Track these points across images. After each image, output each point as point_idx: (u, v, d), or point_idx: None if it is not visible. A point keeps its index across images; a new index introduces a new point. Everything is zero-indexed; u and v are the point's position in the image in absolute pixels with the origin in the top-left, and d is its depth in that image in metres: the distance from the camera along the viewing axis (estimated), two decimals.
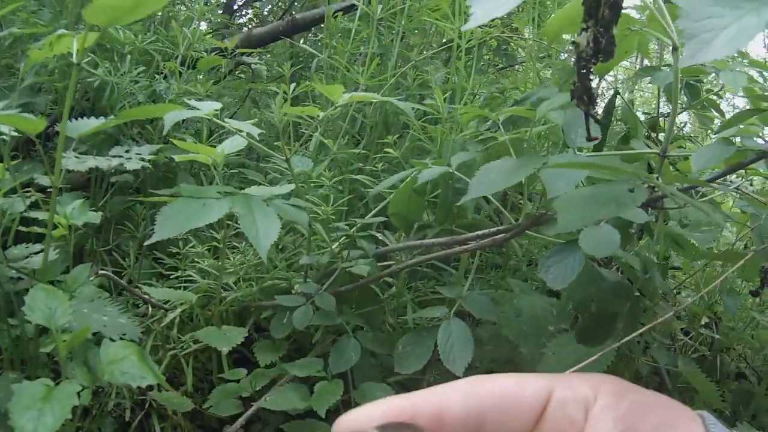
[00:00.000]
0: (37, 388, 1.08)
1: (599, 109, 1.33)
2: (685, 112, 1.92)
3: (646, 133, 1.77)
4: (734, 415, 1.76)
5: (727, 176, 1.19)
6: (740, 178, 1.33)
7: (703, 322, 1.94)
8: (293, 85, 1.51)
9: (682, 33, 0.69)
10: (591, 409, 0.48)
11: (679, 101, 1.93)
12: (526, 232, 1.25)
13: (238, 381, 1.50)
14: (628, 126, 1.80)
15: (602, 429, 0.47)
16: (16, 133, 1.31)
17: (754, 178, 1.41)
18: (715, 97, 1.77)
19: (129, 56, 1.90)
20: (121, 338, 1.27)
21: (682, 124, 2.21)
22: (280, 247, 1.71)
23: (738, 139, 1.12)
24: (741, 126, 1.23)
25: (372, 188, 1.61)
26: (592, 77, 0.88)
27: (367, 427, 0.45)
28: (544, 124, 1.39)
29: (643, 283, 1.28)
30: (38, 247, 1.40)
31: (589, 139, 0.94)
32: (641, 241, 1.58)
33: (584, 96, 0.88)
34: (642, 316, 1.35)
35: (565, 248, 1.12)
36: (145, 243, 1.27)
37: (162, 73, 1.99)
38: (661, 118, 1.98)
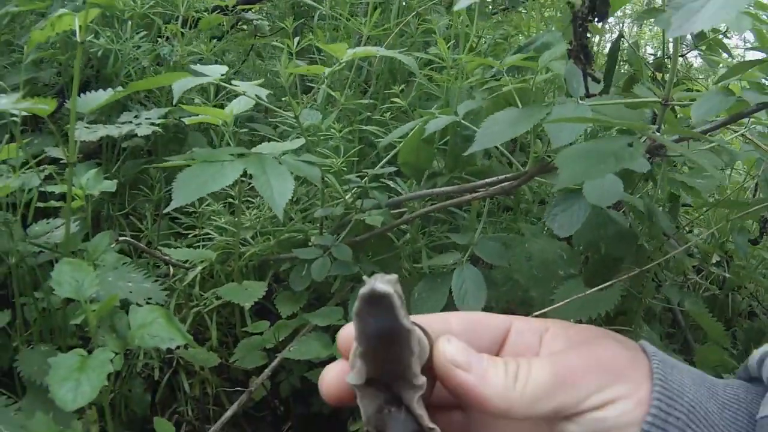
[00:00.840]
0: (72, 359, 1.14)
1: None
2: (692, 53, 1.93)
3: (651, 75, 1.79)
4: (745, 353, 1.80)
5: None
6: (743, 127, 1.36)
7: (714, 261, 1.97)
8: (296, 39, 1.55)
9: (670, 3, 0.72)
10: (544, 336, 0.59)
11: (683, 43, 1.95)
12: (535, 178, 1.29)
13: (261, 333, 1.56)
14: (634, 68, 1.82)
15: (554, 346, 0.58)
16: (25, 112, 1.35)
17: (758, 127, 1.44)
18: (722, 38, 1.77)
19: (130, 22, 1.92)
20: (147, 302, 1.33)
21: (688, 65, 2.21)
22: (294, 199, 1.75)
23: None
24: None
25: (381, 138, 1.65)
26: (588, 36, 0.92)
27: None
28: (547, 72, 1.42)
29: (649, 226, 1.32)
30: (58, 221, 1.45)
31: (588, 95, 0.98)
32: (649, 184, 1.62)
33: (581, 55, 0.92)
34: (653, 255, 1.39)
35: (570, 196, 1.16)
36: (164, 211, 1.33)
37: (164, 36, 2.01)
38: (667, 59, 1.99)
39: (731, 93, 1.10)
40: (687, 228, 2.04)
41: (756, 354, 0.59)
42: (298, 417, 1.74)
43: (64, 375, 1.11)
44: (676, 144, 1.06)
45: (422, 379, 0.50)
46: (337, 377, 0.54)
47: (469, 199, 1.40)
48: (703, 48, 1.80)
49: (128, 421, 1.58)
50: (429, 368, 0.53)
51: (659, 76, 1.83)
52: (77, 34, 1.23)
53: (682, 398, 0.52)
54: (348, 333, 0.54)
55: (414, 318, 0.54)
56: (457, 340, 0.53)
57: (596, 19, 0.91)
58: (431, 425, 0.50)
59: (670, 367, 0.55)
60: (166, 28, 1.99)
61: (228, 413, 1.50)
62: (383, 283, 0.47)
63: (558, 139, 1.07)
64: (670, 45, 1.41)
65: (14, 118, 1.34)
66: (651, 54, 2.06)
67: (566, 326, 0.61)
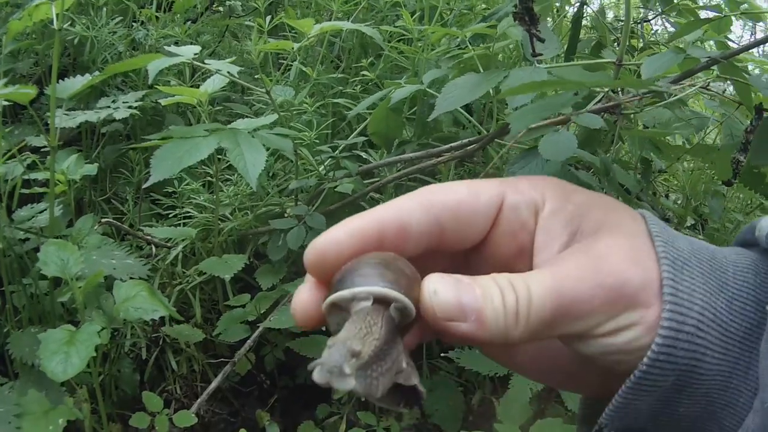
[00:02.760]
0: (61, 333, 1.22)
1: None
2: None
3: (615, 40, 1.87)
4: None
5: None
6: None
7: (688, 224, 2.03)
8: (268, 18, 1.62)
9: None
10: (540, 212, 0.53)
11: (650, 9, 2.03)
12: (497, 140, 1.37)
13: (243, 306, 1.64)
14: (599, 34, 1.90)
15: (552, 230, 0.53)
16: (6, 102, 1.41)
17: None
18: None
19: (105, 8, 1.97)
20: (130, 278, 1.40)
21: (654, 31, 2.27)
22: (270, 174, 1.82)
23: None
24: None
25: (352, 110, 1.71)
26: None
27: (336, 253, 0.49)
28: (506, 39, 1.50)
29: (607, 182, 1.38)
30: (41, 206, 1.51)
31: (534, 55, 1.06)
32: (615, 146, 1.68)
33: (525, 17, 1.00)
34: None
35: (528, 153, 1.22)
36: (143, 186, 1.40)
37: (139, 20, 2.05)
38: (635, 24, 2.06)
39: (681, 51, 1.17)
40: (663, 193, 2.11)
41: (764, 224, 0.54)
42: (284, 389, 1.82)
43: (53, 349, 1.18)
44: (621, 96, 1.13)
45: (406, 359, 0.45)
46: (306, 302, 0.51)
47: (435, 163, 1.47)
48: (671, 13, 1.86)
49: (118, 400, 1.66)
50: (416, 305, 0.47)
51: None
52: (54, 21, 1.29)
53: (692, 309, 0.49)
54: (323, 245, 0.50)
55: (377, 214, 0.51)
56: (442, 286, 0.48)
57: None
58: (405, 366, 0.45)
59: (681, 265, 0.51)
60: (140, 12, 2.03)
61: (213, 385, 1.58)
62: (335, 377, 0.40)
63: (515, 100, 1.15)
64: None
65: None
66: (618, 19, 2.12)
67: (563, 197, 0.54)
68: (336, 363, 0.40)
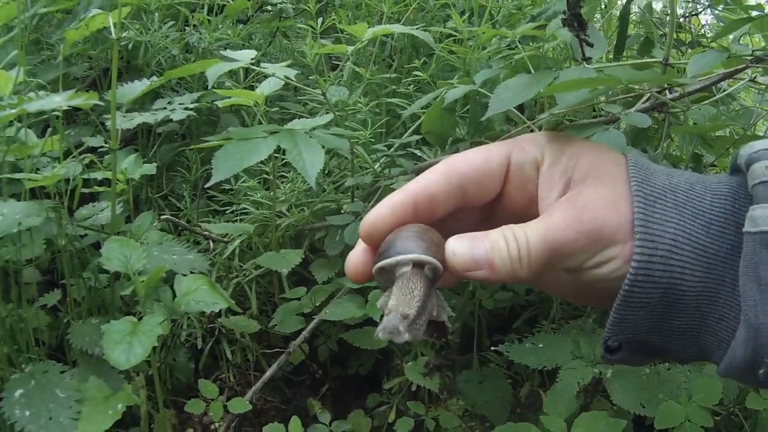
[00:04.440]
0: (124, 324, 1.27)
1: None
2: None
3: (662, 35, 1.88)
4: None
5: None
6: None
7: None
8: (320, 20, 1.67)
9: None
10: (541, 166, 0.66)
11: (698, 2, 2.04)
12: None
13: (299, 299, 1.69)
14: (646, 31, 1.92)
15: (551, 181, 0.65)
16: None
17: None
18: None
19: (157, 14, 2.02)
20: (191, 272, 1.45)
21: (703, 27, 2.26)
22: (326, 172, 1.87)
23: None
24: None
25: (406, 109, 1.75)
26: (581, 4, 1.04)
27: (382, 225, 0.64)
28: (555, 39, 1.53)
29: None
30: (102, 204, 1.57)
31: (583, 59, 1.10)
32: (664, 142, 1.70)
33: (574, 23, 1.04)
34: None
35: None
36: (204, 186, 1.45)
37: (191, 24, 2.10)
38: (682, 19, 2.07)
39: (726, 50, 1.21)
40: None
41: (746, 150, 0.62)
42: (336, 379, 1.88)
43: (116, 339, 1.24)
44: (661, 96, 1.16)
45: (445, 309, 0.62)
46: (358, 262, 0.66)
47: None
48: (718, 8, 1.88)
49: (173, 388, 1.72)
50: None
51: (675, 36, 1.91)
52: (112, 31, 1.34)
53: (664, 236, 0.59)
54: (373, 220, 0.65)
55: (409, 189, 0.66)
56: (459, 248, 0.61)
57: None
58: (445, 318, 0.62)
59: (654, 200, 0.61)
60: (192, 16, 2.08)
61: (267, 374, 1.64)
62: (395, 329, 0.57)
63: (564, 100, 1.19)
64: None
65: (56, 113, 1.45)
66: (666, 13, 2.11)
67: (559, 150, 0.66)
68: (393, 326, 0.57)
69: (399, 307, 0.58)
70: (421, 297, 0.58)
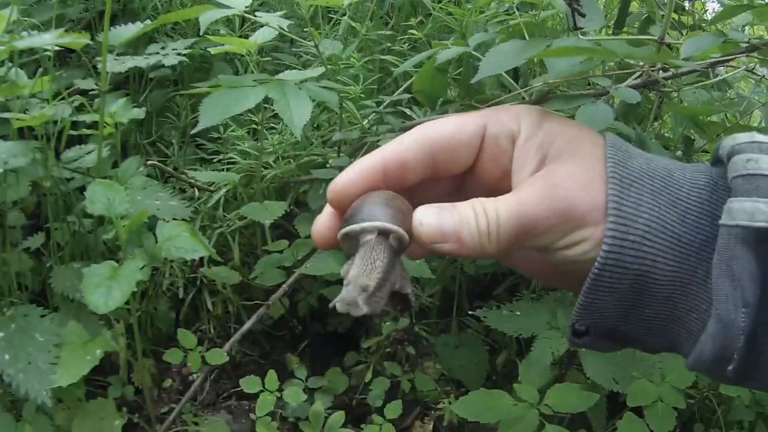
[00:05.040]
0: (104, 268, 1.27)
1: None
2: None
3: (663, 15, 1.87)
4: None
5: None
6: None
7: None
8: None
9: None
10: (516, 140, 0.64)
11: None
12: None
13: (281, 252, 1.69)
14: (647, 9, 1.91)
15: (525, 156, 0.63)
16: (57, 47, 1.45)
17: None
18: None
19: None
20: (173, 219, 1.45)
21: (706, 11, 2.25)
22: (315, 125, 1.87)
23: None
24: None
25: (399, 67, 1.74)
26: None
27: (351, 189, 0.62)
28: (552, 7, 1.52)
29: None
30: (89, 147, 1.56)
31: (575, 29, 1.09)
32: (653, 123, 1.70)
33: None
34: None
35: None
36: (189, 132, 1.44)
37: None
38: (687, 3, 2.06)
39: (722, 34, 1.20)
40: None
41: (729, 141, 0.61)
42: (315, 335, 1.89)
43: (96, 282, 1.24)
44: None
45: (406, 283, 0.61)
46: (324, 228, 0.64)
47: None
48: None
49: (153, 336, 1.73)
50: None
51: (675, 17, 1.90)
52: None
53: (637, 222, 0.57)
54: (341, 184, 0.62)
55: (380, 153, 0.63)
56: (426, 218, 0.59)
57: None
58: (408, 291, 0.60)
59: (629, 183, 0.59)
60: None
61: (245, 326, 1.64)
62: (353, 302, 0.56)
63: (554, 68, 1.18)
64: None
65: (47, 53, 1.45)
66: None
67: (536, 124, 0.64)
68: (352, 298, 0.55)
69: (358, 279, 0.56)
70: (383, 268, 0.57)
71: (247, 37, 1.59)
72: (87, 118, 1.46)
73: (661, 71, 1.34)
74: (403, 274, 0.60)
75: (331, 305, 0.56)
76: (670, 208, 0.58)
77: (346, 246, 0.61)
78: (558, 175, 0.60)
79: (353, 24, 1.82)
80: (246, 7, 1.44)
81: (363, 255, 0.57)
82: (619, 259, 0.57)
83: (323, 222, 0.64)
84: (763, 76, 1.56)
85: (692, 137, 1.74)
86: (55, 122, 1.43)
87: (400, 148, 0.64)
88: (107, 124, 1.46)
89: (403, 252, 0.60)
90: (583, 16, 1.07)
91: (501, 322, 1.50)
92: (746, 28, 1.51)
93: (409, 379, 1.68)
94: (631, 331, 0.63)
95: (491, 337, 1.80)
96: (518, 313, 1.51)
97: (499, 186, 0.65)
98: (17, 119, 1.33)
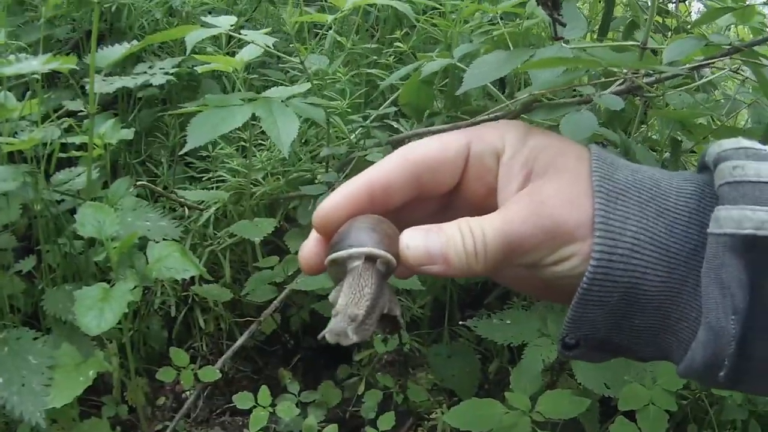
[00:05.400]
0: (96, 290, 1.28)
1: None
2: None
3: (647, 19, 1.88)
4: None
5: None
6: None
7: None
8: None
9: None
10: (501, 157, 0.63)
11: None
12: (523, 115, 1.40)
13: (272, 268, 1.69)
14: (632, 13, 1.92)
15: (510, 173, 0.62)
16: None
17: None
18: None
19: None
20: (163, 239, 1.45)
21: (690, 14, 2.26)
22: (303, 140, 1.86)
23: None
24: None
25: (385, 80, 1.74)
26: None
27: (336, 214, 0.61)
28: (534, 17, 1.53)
29: (630, 160, 1.40)
30: (79, 169, 1.56)
31: (556, 38, 1.09)
32: (639, 127, 1.70)
33: (548, 2, 1.03)
34: None
35: (550, 130, 1.26)
36: (179, 153, 1.45)
37: None
38: (672, 5, 2.07)
39: (704, 37, 1.21)
40: None
41: (714, 148, 0.61)
42: (307, 349, 1.89)
43: (88, 304, 1.25)
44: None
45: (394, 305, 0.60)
46: (311, 254, 0.63)
47: None
48: None
49: (146, 355, 1.74)
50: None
51: (659, 19, 1.91)
52: None
53: (624, 235, 0.57)
54: (327, 209, 0.62)
55: (365, 177, 0.63)
56: (413, 241, 0.59)
57: None
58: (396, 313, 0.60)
59: (616, 196, 0.59)
60: None
61: (238, 343, 1.65)
62: (343, 332, 0.55)
63: (538, 79, 1.19)
64: None
65: (35, 76, 1.45)
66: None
67: (520, 141, 0.63)
68: (341, 329, 0.54)
69: (347, 309, 0.56)
70: (371, 295, 0.56)
71: (233, 53, 1.59)
72: (76, 139, 1.46)
73: (645, 76, 1.34)
74: (391, 297, 0.60)
75: (320, 336, 0.56)
76: (657, 219, 0.58)
77: (334, 272, 0.60)
78: (544, 192, 0.60)
79: (339, 38, 1.83)
80: (231, 25, 1.44)
81: (351, 282, 0.57)
82: (608, 273, 0.57)
83: (310, 248, 0.64)
84: (747, 77, 1.57)
85: (679, 139, 1.75)
86: (45, 145, 1.43)
87: (385, 171, 0.63)
88: (96, 146, 1.46)
89: (390, 275, 0.60)
90: (563, 25, 1.07)
91: (492, 331, 1.50)
92: (730, 28, 1.52)
93: (400, 387, 1.68)
94: (621, 342, 0.63)
95: (483, 346, 1.80)
96: (509, 321, 1.51)
97: (486, 203, 0.65)
98: (7, 143, 1.33)
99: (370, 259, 0.58)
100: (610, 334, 0.62)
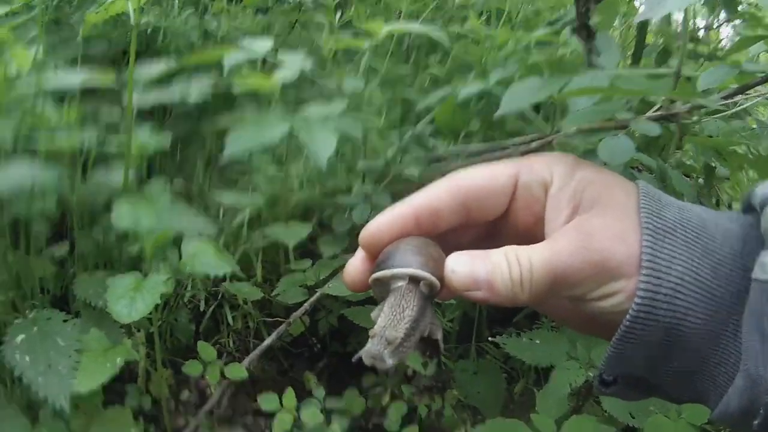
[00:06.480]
0: (129, 279, 1.27)
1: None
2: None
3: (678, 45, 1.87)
4: None
5: None
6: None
7: None
8: (338, 14, 1.67)
9: None
10: (549, 189, 0.62)
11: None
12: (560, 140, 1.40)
13: (304, 271, 1.68)
14: (664, 41, 1.91)
15: (558, 205, 0.61)
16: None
17: None
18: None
19: (176, 0, 2.02)
20: (199, 236, 1.44)
21: (721, 40, 2.25)
22: (340, 154, 1.84)
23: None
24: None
25: (421, 102, 1.74)
26: (590, 15, 1.04)
27: (383, 234, 0.61)
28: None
29: (663, 187, 1.40)
30: (117, 172, 1.51)
31: (591, 66, 1.10)
32: (674, 153, 1.69)
33: (583, 32, 1.04)
34: None
35: (586, 155, 1.24)
36: (218, 162, 1.45)
37: (210, 12, 2.10)
38: (702, 32, 2.06)
39: (737, 65, 1.20)
40: (727, 202, 2.11)
41: (762, 189, 0.59)
42: (334, 354, 1.86)
43: (120, 293, 1.24)
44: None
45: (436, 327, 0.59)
46: (356, 271, 0.63)
47: (498, 157, 1.51)
48: (736, 22, 1.87)
49: (173, 347, 1.71)
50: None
51: (691, 46, 1.91)
52: (131, 17, 1.33)
53: (670, 274, 0.55)
54: (373, 229, 0.62)
55: (413, 201, 0.62)
56: (459, 266, 0.58)
57: (594, 1, 1.02)
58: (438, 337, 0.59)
59: (663, 234, 0.57)
60: (212, 4, 2.09)
61: (266, 342, 1.62)
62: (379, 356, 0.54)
63: (576, 105, 1.19)
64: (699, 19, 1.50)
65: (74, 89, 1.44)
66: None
67: (569, 174, 0.63)
68: (377, 352, 0.54)
69: (385, 331, 0.55)
70: (412, 318, 0.55)
71: (269, 74, 1.60)
72: (113, 146, 1.47)
73: (680, 104, 1.34)
74: (433, 320, 0.59)
75: (354, 358, 0.55)
76: (702, 260, 0.57)
77: (377, 291, 0.60)
78: (592, 226, 0.59)
79: (372, 66, 1.83)
80: (268, 50, 1.45)
81: (392, 303, 0.56)
82: (651, 312, 0.56)
83: (355, 265, 0.63)
84: None
85: (714, 165, 1.73)
86: (81, 151, 1.44)
87: (432, 197, 0.63)
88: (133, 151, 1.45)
89: (434, 298, 0.59)
90: (598, 55, 1.07)
91: (520, 350, 1.48)
92: (761, 54, 1.51)
93: (426, 404, 1.66)
94: (659, 382, 0.62)
95: (509, 365, 1.77)
96: (537, 341, 1.49)
97: (533, 232, 0.64)
98: (45, 143, 1.33)
99: (413, 280, 0.57)
100: (647, 374, 0.61)
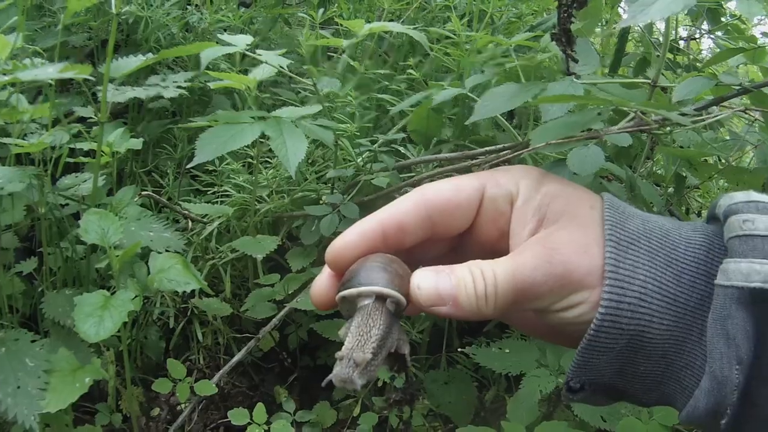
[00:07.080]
0: (97, 297, 1.28)
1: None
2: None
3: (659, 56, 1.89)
4: None
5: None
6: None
7: None
8: (320, 11, 1.67)
9: None
10: (515, 202, 0.65)
11: (697, 27, 2.05)
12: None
13: (272, 285, 1.70)
14: (644, 50, 1.92)
15: (523, 218, 0.64)
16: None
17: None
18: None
19: None
20: (166, 251, 1.45)
21: (701, 51, 2.27)
22: (310, 161, 1.87)
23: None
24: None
25: (395, 106, 1.75)
26: (572, 21, 1.04)
27: (349, 252, 0.63)
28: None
29: (632, 196, 1.42)
30: (85, 175, 1.57)
31: (568, 74, 1.10)
32: (645, 162, 1.70)
33: (562, 38, 1.04)
34: None
35: (557, 164, 1.25)
36: (187, 166, 1.46)
37: (193, 4, 2.11)
38: (682, 42, 2.08)
39: (714, 77, 1.21)
40: (696, 210, 2.13)
41: (726, 200, 0.61)
42: (304, 368, 1.88)
43: (88, 311, 1.25)
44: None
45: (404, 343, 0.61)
46: (322, 289, 0.65)
47: (468, 165, 1.52)
48: (717, 33, 1.89)
49: (143, 365, 1.73)
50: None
51: (670, 56, 1.92)
52: (112, 5, 1.35)
53: (633, 284, 0.58)
54: (340, 246, 0.64)
55: (379, 216, 0.64)
56: (424, 282, 0.60)
57: (576, 6, 1.03)
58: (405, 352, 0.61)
59: (627, 245, 0.60)
60: None
61: (235, 358, 1.65)
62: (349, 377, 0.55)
63: (548, 113, 1.19)
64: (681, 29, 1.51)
65: (50, 81, 1.44)
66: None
67: (534, 187, 0.65)
68: (346, 375, 0.55)
69: (352, 353, 0.56)
70: (378, 336, 0.57)
71: (246, 72, 1.60)
72: (84, 145, 1.48)
73: (653, 114, 1.35)
74: (400, 335, 0.60)
75: (324, 383, 0.57)
76: (666, 269, 0.60)
77: (344, 308, 0.61)
78: (556, 239, 0.61)
79: (351, 62, 1.83)
80: (247, 45, 1.45)
81: (359, 322, 0.58)
82: (615, 320, 0.58)
83: (322, 283, 0.65)
84: (756, 118, 1.57)
85: (684, 175, 1.75)
86: (53, 148, 1.44)
87: (399, 212, 0.65)
88: (104, 153, 1.46)
89: (401, 314, 0.61)
90: (576, 61, 1.08)
91: (490, 360, 1.50)
92: (739, 66, 1.52)
93: (397, 414, 1.67)
94: (625, 387, 0.64)
95: (480, 374, 1.79)
96: (507, 350, 1.51)
97: (497, 246, 0.66)
98: (16, 145, 1.33)
99: (380, 298, 0.59)
100: (614, 380, 0.63)
